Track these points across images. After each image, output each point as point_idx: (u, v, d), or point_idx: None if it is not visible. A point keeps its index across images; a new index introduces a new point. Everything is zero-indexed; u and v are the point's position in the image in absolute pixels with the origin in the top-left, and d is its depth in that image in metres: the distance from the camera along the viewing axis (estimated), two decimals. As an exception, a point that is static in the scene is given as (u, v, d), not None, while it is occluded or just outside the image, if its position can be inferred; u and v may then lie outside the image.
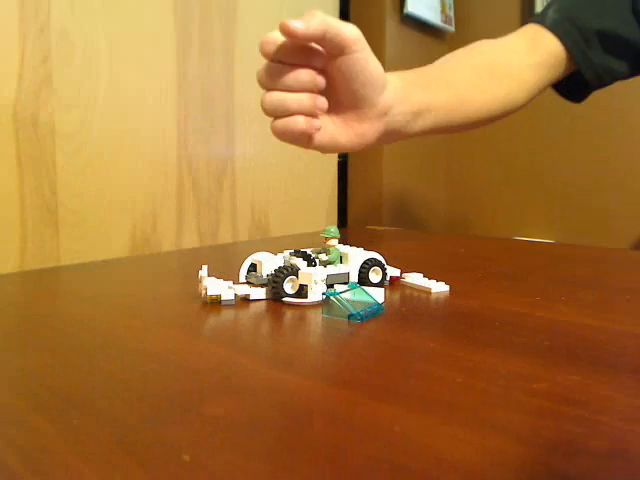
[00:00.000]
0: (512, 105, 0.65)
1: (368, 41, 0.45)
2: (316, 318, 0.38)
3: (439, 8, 1.97)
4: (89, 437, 0.21)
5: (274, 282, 0.42)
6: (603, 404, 0.24)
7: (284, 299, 0.42)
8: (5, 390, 0.25)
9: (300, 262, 0.44)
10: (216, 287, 0.41)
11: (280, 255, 0.47)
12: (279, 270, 0.42)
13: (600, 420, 0.22)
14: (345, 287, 0.41)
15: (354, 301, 0.40)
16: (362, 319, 0.37)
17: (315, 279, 0.41)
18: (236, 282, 0.47)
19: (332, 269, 0.44)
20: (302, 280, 0.42)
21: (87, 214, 0.99)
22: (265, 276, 0.44)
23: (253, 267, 0.46)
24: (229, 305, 0.41)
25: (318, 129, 0.44)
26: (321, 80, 0.43)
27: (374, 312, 0.38)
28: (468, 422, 0.22)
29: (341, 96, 0.46)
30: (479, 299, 0.43)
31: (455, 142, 2.26)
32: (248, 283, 0.46)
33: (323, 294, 0.39)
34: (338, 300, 0.38)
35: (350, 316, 0.37)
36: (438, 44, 2.13)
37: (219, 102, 1.21)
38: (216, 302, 0.42)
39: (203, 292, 0.42)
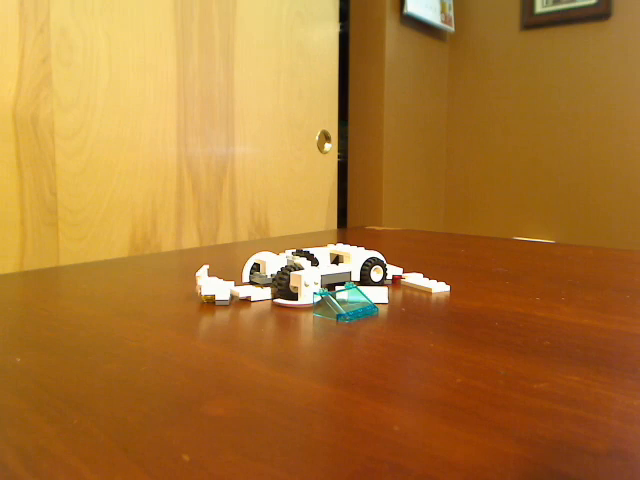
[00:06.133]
0: None
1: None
2: (315, 319, 0.38)
3: (439, 8, 1.98)
4: (89, 437, 0.21)
5: (280, 281, 0.42)
6: (603, 404, 0.24)
7: (275, 300, 0.42)
8: (5, 390, 0.25)
9: (304, 262, 0.44)
10: (210, 287, 0.41)
11: (283, 255, 0.47)
12: (286, 269, 0.42)
13: (600, 420, 0.22)
14: (342, 287, 0.41)
15: (350, 302, 0.40)
16: (350, 319, 0.37)
17: (305, 282, 0.41)
18: (239, 282, 0.47)
19: (333, 269, 0.44)
20: (293, 282, 0.41)
21: (87, 214, 0.99)
22: (269, 276, 0.44)
23: (256, 267, 0.46)
24: (225, 305, 0.41)
25: None
26: None
27: (366, 312, 0.38)
28: (468, 422, 0.22)
29: None
30: (479, 299, 0.43)
31: (455, 143, 2.26)
32: (252, 283, 0.46)
33: (315, 294, 0.39)
34: (328, 301, 0.38)
35: (338, 316, 0.37)
36: (438, 44, 2.13)
37: (219, 102, 1.21)
38: (212, 302, 0.41)
39: (199, 292, 0.42)
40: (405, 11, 1.78)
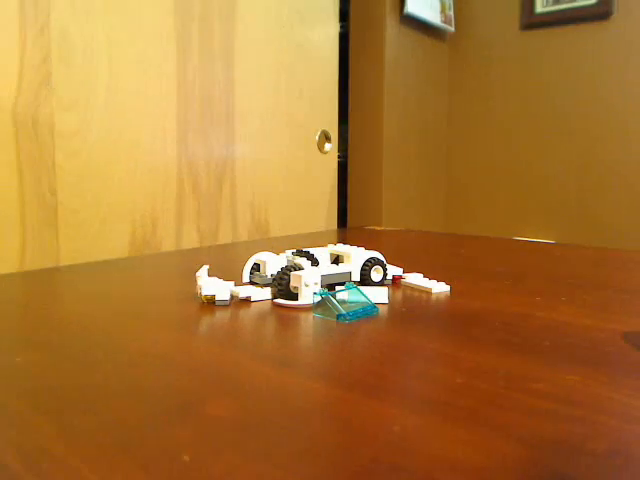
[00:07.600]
0: None
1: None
2: (315, 319, 0.38)
3: (439, 8, 1.97)
4: (89, 437, 0.21)
5: (280, 281, 0.42)
6: (603, 404, 0.24)
7: (275, 301, 0.42)
8: (5, 390, 0.25)
9: (304, 262, 0.44)
10: (210, 287, 0.41)
11: (283, 255, 0.47)
12: (286, 269, 0.42)
13: (600, 420, 0.22)
14: (342, 287, 0.41)
15: (350, 302, 0.40)
16: (350, 319, 0.37)
17: (305, 282, 0.41)
18: (239, 282, 0.47)
19: (333, 269, 0.44)
20: (293, 282, 0.41)
21: (87, 214, 0.99)
22: (269, 276, 0.44)
23: (256, 267, 0.46)
24: (225, 305, 0.41)
25: None
26: None
27: (366, 312, 0.38)
28: (468, 422, 0.22)
29: None
30: (479, 299, 0.43)
31: (455, 142, 2.26)
32: (252, 283, 0.46)
33: (315, 294, 0.39)
34: (328, 301, 0.38)
35: (338, 316, 0.37)
36: (438, 44, 2.13)
37: (219, 102, 1.21)
38: (212, 302, 0.41)
39: (199, 292, 0.42)
40: (405, 11, 1.78)
